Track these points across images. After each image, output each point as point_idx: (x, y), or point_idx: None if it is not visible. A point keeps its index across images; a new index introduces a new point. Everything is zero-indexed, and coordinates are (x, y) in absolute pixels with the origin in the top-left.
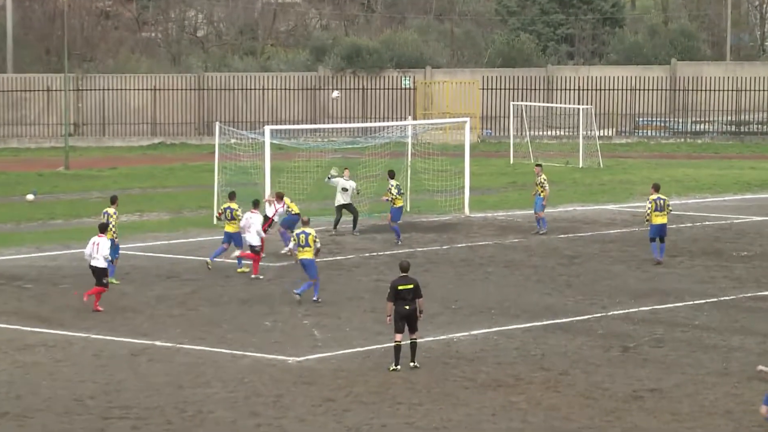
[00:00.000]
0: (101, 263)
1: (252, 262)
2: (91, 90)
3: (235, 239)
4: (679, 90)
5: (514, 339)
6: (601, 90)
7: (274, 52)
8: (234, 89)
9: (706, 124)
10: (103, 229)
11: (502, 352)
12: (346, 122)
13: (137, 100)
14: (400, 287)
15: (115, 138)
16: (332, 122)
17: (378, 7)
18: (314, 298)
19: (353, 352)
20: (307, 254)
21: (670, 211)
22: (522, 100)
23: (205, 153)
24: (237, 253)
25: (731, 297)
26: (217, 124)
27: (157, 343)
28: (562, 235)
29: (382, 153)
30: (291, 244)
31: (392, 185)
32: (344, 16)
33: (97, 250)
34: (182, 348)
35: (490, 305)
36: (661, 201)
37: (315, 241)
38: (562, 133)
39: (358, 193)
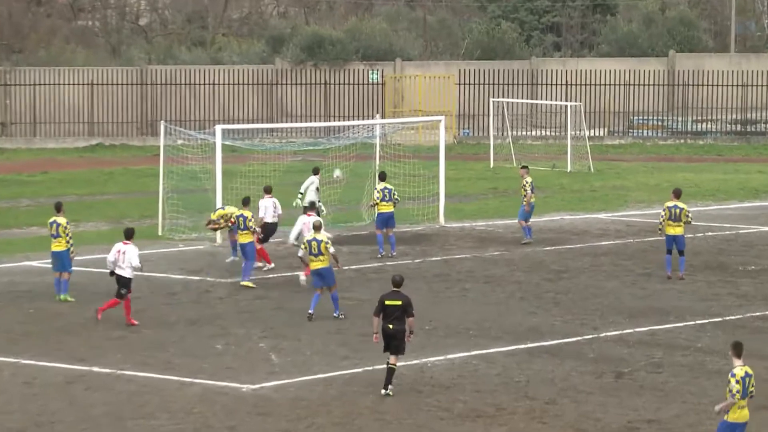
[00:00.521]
0: (127, 273)
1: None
2: (20, 85)
3: (247, 251)
4: (678, 85)
5: (495, 364)
6: (591, 85)
7: (226, 43)
8: (181, 84)
9: (709, 123)
10: (129, 235)
11: (482, 378)
12: (306, 121)
13: (72, 96)
14: (387, 302)
15: (48, 139)
16: (291, 121)
17: None
18: (335, 314)
19: (314, 378)
20: (321, 263)
21: (689, 221)
22: (503, 97)
23: (149, 156)
24: (230, 259)
25: (737, 316)
26: (162, 123)
27: (95, 369)
28: (549, 248)
29: (347, 155)
30: (300, 252)
31: (377, 189)
32: (304, 2)
33: (124, 259)
34: (123, 375)
35: (469, 326)
36: (677, 209)
37: (328, 248)
38: (548, 133)
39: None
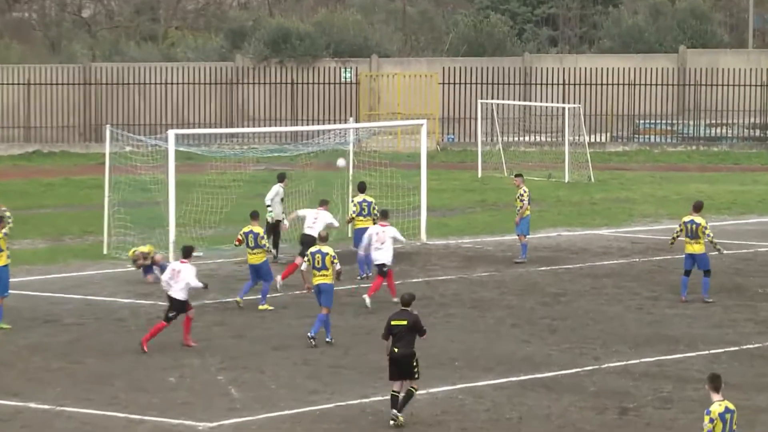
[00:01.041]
0: (180, 294)
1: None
2: None
3: (263, 272)
4: (690, 85)
5: (484, 398)
6: (591, 85)
7: (180, 37)
8: (129, 84)
9: (724, 127)
10: (187, 253)
11: (469, 415)
12: (270, 125)
13: (6, 97)
14: (393, 322)
15: None
16: (253, 125)
17: None
18: (327, 339)
19: (280, 415)
20: (324, 278)
21: (711, 239)
22: (492, 98)
23: (93, 164)
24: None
25: (756, 345)
26: (108, 127)
27: (32, 405)
28: (544, 268)
29: (317, 164)
30: (304, 266)
31: (354, 201)
32: None
33: (178, 278)
34: (63, 411)
35: (454, 356)
36: (694, 225)
37: (334, 263)
38: (544, 138)
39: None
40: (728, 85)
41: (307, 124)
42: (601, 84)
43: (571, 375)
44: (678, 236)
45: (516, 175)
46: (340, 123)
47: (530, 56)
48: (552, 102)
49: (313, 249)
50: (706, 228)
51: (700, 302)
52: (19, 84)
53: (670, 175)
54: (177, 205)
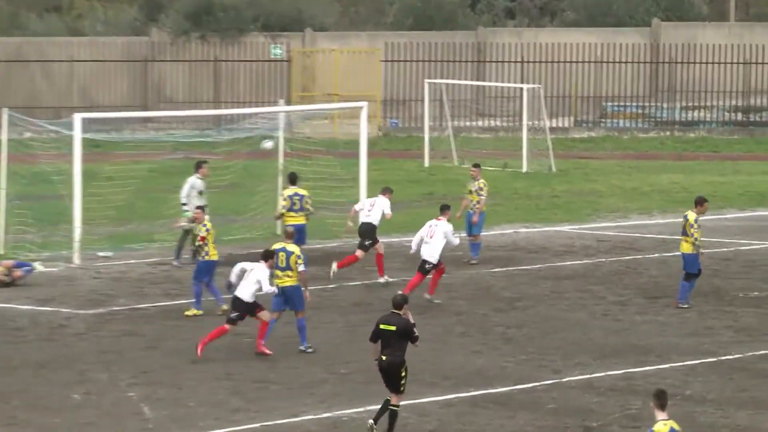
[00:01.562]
0: (248, 296)
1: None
2: None
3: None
4: (664, 63)
5: (430, 417)
6: (553, 63)
7: (88, 9)
8: (30, 61)
9: (702, 111)
10: (268, 256)
11: None
12: (191, 108)
13: None
14: (381, 326)
15: None
16: (171, 108)
17: None
18: (302, 347)
19: None
20: (289, 280)
21: (694, 239)
22: (442, 77)
23: None
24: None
25: (736, 356)
26: (5, 111)
27: None
28: (499, 269)
29: (241, 153)
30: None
31: (284, 195)
32: None
33: (249, 279)
34: None
35: None
36: (684, 220)
37: (298, 264)
38: (499, 123)
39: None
40: (707, 63)
41: (232, 107)
42: (564, 62)
43: (527, 390)
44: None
45: (473, 165)
46: (269, 105)
47: (484, 30)
48: (509, 82)
49: (276, 246)
50: (693, 224)
51: (674, 307)
52: None
53: (640, 164)
54: (83, 198)
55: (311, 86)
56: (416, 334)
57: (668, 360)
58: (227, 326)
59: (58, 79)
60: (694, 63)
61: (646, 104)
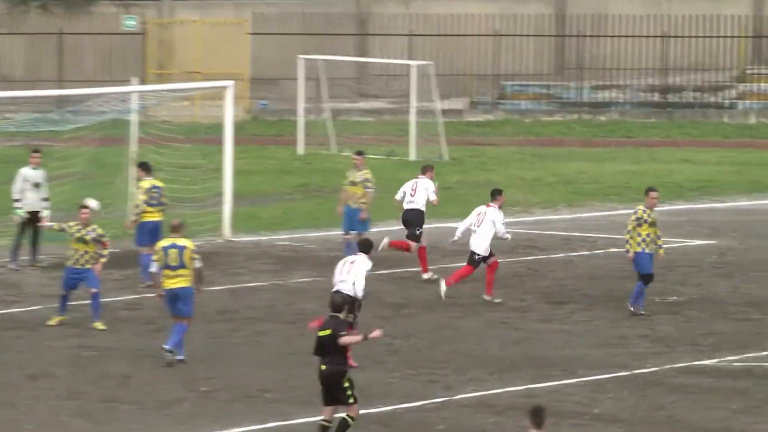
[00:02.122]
0: (350, 289)
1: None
2: None
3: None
4: (571, 36)
5: None
6: (446, 36)
7: None
8: None
9: (614, 90)
10: (366, 247)
11: None
12: (31, 88)
13: None
14: (319, 333)
15: None
16: (7, 87)
17: None
18: (166, 345)
19: None
20: (180, 281)
21: (642, 238)
22: (319, 53)
23: None
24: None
25: (651, 369)
26: None
27: None
28: (382, 272)
29: (88, 139)
30: (154, 267)
31: (143, 187)
32: None
33: (350, 271)
34: None
35: (264, 386)
36: (634, 215)
37: (194, 260)
38: (384, 105)
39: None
40: (619, 37)
41: (78, 87)
42: (458, 35)
43: (414, 409)
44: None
45: (356, 153)
46: (120, 85)
47: (367, 0)
48: (395, 58)
49: (165, 243)
50: (640, 219)
51: (582, 313)
52: None
53: (544, 151)
54: None
55: (169, 63)
56: (342, 333)
57: (574, 374)
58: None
59: None
60: (605, 36)
61: (551, 83)
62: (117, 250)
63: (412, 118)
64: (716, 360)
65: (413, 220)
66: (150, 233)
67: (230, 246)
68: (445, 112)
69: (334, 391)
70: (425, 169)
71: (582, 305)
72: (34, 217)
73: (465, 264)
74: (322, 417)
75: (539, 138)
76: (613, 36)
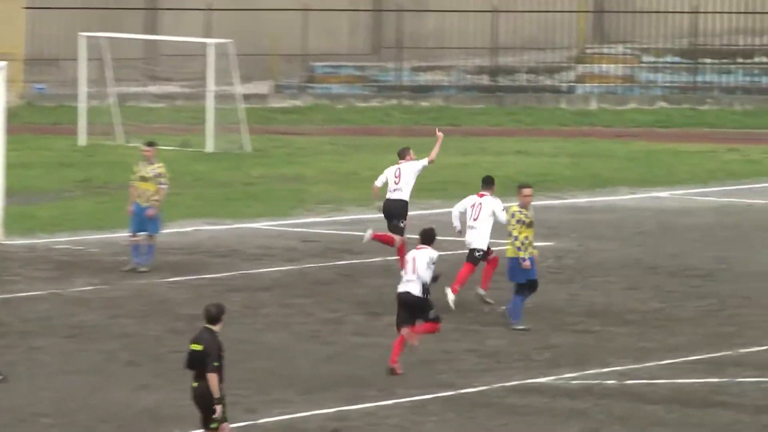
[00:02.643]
0: (417, 289)
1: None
2: None
3: None
4: (389, 11)
5: None
6: (247, 11)
7: None
8: None
9: (438, 72)
10: (428, 238)
11: None
12: None
13: None
14: (191, 346)
15: None
16: None
17: None
18: None
19: None
20: None
21: (514, 239)
22: (103, 30)
23: None
24: None
25: (480, 388)
26: None
27: None
28: (176, 278)
29: None
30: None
31: None
32: None
33: (413, 269)
34: None
35: (40, 409)
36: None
37: None
38: (177, 89)
39: None
40: (444, 12)
41: None
42: (261, 9)
43: None
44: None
45: (147, 144)
46: None
47: None
48: (190, 36)
49: None
50: (510, 220)
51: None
52: None
53: (359, 141)
54: None
55: None
56: (216, 354)
57: (393, 394)
58: (432, 326)
59: None
60: (428, 11)
61: (367, 65)
62: None
63: (210, 104)
64: (552, 377)
65: (396, 211)
66: None
67: (2, 249)
68: (246, 97)
69: (203, 412)
70: (403, 152)
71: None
72: None
73: (465, 263)
74: None
75: (353, 126)
76: (436, 11)
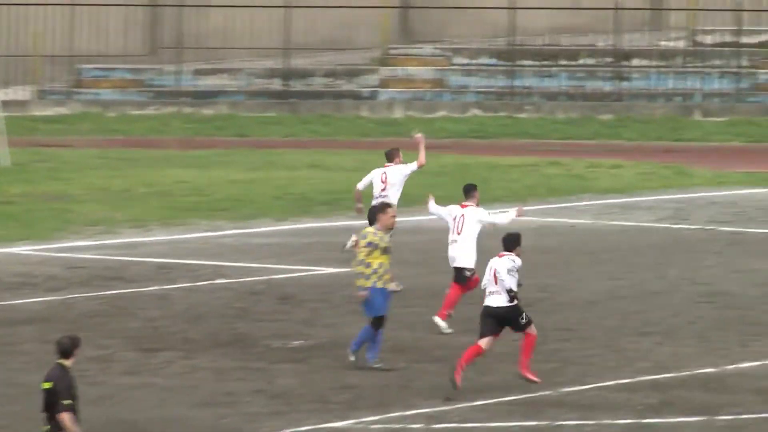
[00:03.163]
0: (503, 300)
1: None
2: None
3: None
4: (168, 6)
5: None
6: (2, 6)
7: None
8: None
9: (223, 76)
10: (511, 244)
11: None
12: None
13: None
14: (42, 385)
15: None
16: None
17: None
18: None
19: None
20: None
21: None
22: None
23: None
24: None
25: None
26: None
27: None
28: None
29: None
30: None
31: None
32: None
33: (496, 279)
34: None
35: None
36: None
37: None
38: None
39: None
40: (229, 7)
41: None
42: (22, 4)
43: None
44: None
45: None
46: None
47: None
48: None
49: None
50: (372, 243)
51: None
52: None
53: (133, 154)
54: None
55: None
56: (63, 397)
57: None
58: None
59: None
60: (211, 6)
61: (142, 67)
62: None
63: None
64: (351, 421)
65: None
66: None
67: None
68: (5, 104)
69: None
70: (392, 154)
71: (180, 353)
72: None
73: (451, 284)
74: None
75: (127, 137)
76: (221, 6)
